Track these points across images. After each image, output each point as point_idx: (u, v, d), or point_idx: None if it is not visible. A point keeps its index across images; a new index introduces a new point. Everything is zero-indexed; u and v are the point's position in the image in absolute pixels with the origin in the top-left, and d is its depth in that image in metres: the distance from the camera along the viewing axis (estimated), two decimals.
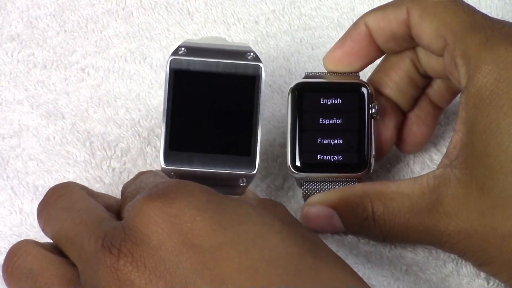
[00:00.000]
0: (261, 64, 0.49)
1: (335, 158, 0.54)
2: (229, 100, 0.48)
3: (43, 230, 0.47)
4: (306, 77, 0.55)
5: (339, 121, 0.54)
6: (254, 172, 0.48)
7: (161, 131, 0.48)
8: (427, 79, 0.56)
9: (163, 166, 0.48)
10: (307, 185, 0.55)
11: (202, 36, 0.64)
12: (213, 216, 0.42)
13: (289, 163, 0.54)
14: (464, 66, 0.49)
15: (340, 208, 0.53)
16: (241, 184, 0.48)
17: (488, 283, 0.54)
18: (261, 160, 0.48)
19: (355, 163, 0.54)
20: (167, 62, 0.48)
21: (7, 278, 0.46)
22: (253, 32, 0.64)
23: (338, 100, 0.54)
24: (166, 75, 0.48)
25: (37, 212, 0.48)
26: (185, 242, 0.42)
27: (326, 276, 0.42)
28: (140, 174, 0.50)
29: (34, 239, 0.55)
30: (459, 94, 0.52)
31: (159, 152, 0.48)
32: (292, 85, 0.54)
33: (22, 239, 0.55)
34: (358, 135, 0.54)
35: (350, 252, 0.55)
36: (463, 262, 0.55)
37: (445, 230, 0.49)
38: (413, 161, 0.59)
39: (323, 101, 0.54)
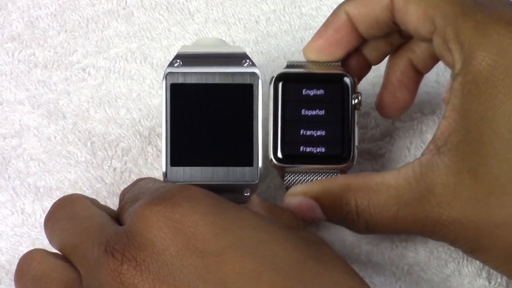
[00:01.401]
0: (257, 71, 0.48)
1: (318, 150, 0.53)
2: (228, 110, 0.48)
3: (50, 242, 0.47)
4: (288, 66, 0.54)
5: (322, 112, 0.53)
6: (257, 181, 0.48)
7: (162, 146, 0.48)
8: (405, 39, 0.55)
9: (167, 182, 0.48)
10: (289, 176, 0.53)
11: (202, 36, 0.64)
12: (216, 220, 0.42)
13: (271, 155, 0.53)
14: (458, 51, 0.49)
15: (322, 200, 0.51)
16: (246, 194, 0.48)
17: (489, 283, 0.54)
18: (264, 168, 0.48)
19: (338, 155, 0.53)
20: (163, 76, 0.48)
21: (16, 285, 0.46)
22: (254, 32, 0.64)
23: (321, 91, 0.53)
24: (163, 89, 0.48)
25: (44, 225, 0.48)
26: (188, 246, 0.42)
27: (327, 280, 0.42)
28: (139, 180, 0.50)
29: (36, 239, 0.55)
30: (449, 80, 0.51)
31: (161, 164, 0.48)
32: (274, 75, 0.53)
33: (23, 239, 0.55)
34: (341, 126, 0.53)
35: (352, 251, 0.55)
36: (465, 261, 0.55)
37: (438, 220, 0.48)
38: (410, 156, 0.59)
39: (306, 92, 0.53)
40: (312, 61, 0.54)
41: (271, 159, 0.53)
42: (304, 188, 0.52)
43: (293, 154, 0.53)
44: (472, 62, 0.48)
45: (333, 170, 0.53)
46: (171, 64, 0.48)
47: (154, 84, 0.62)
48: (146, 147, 0.59)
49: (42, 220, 0.56)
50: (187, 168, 0.48)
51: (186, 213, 0.43)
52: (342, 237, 0.56)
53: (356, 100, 0.53)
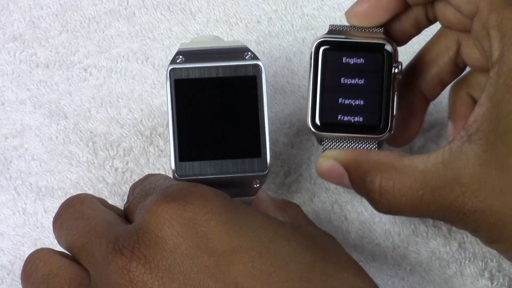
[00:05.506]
0: (259, 63, 0.48)
1: (356, 119, 0.53)
2: (233, 103, 0.48)
3: (58, 242, 0.47)
4: (330, 31, 0.54)
5: (361, 81, 0.53)
6: (266, 172, 0.48)
7: (169, 142, 0.48)
8: (430, 23, 0.55)
9: (177, 177, 0.47)
10: (327, 142, 0.53)
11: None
12: (227, 220, 0.42)
13: (309, 122, 0.53)
14: (498, 39, 0.48)
15: (351, 171, 0.51)
16: (255, 186, 0.48)
17: (492, 283, 0.54)
18: (272, 159, 0.48)
19: (376, 125, 0.53)
20: (166, 73, 0.48)
21: (24, 286, 0.46)
22: (255, 32, 0.64)
23: (361, 59, 0.53)
24: (167, 85, 0.48)
25: (52, 225, 0.48)
26: (199, 245, 0.42)
27: (338, 281, 0.42)
28: (149, 176, 0.50)
29: (37, 239, 0.55)
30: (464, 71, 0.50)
31: (169, 161, 0.48)
32: (315, 42, 0.53)
33: (25, 239, 0.55)
34: (380, 96, 0.52)
35: (355, 249, 0.55)
36: (467, 262, 0.55)
37: (461, 209, 0.48)
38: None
39: (346, 60, 0.53)
40: (354, 26, 0.54)
41: (309, 126, 0.53)
42: (337, 154, 0.52)
43: (331, 122, 0.53)
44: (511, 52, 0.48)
45: (371, 140, 0.53)
46: (173, 61, 0.48)
47: (155, 84, 0.62)
48: (147, 147, 0.59)
49: (44, 220, 0.56)
50: (196, 163, 0.48)
51: (199, 211, 0.43)
52: (344, 234, 0.56)
53: (396, 70, 0.53)
